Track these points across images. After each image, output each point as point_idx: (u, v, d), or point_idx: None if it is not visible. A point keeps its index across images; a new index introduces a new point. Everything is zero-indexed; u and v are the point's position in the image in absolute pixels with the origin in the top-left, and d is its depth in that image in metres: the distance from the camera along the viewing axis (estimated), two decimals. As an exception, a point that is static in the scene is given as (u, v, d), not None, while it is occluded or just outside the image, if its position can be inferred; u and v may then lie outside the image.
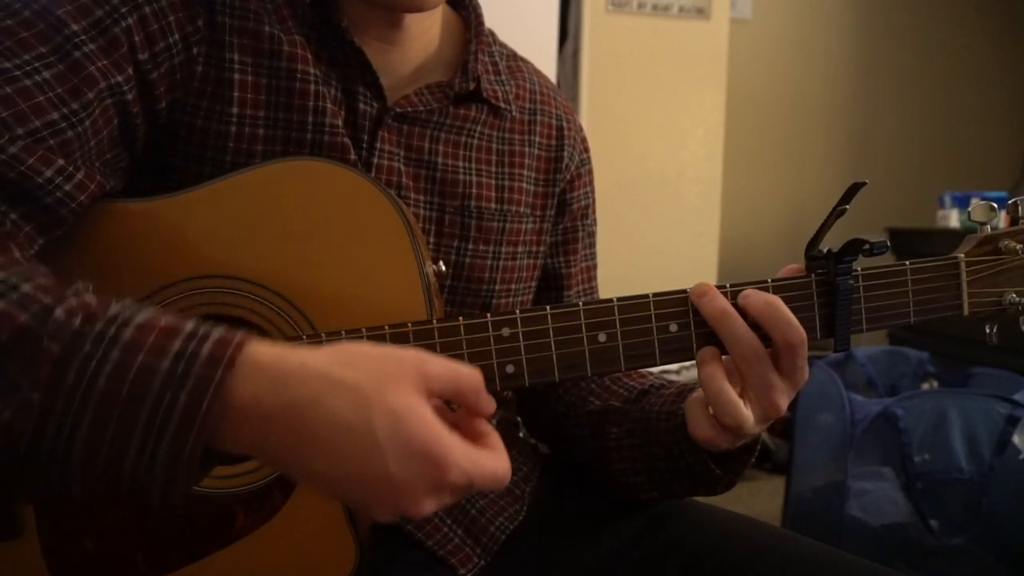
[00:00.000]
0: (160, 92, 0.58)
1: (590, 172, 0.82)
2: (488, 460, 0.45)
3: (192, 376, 0.40)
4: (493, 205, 0.71)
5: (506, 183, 0.72)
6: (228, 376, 0.40)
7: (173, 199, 0.57)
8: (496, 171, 0.72)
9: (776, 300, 0.55)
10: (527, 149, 0.74)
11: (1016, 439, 1.41)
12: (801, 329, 0.55)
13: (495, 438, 0.47)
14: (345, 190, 0.56)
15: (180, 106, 0.60)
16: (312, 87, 0.62)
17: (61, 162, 0.52)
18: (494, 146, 0.72)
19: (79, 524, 0.56)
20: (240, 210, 0.56)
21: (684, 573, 0.66)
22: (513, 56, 0.79)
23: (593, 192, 0.82)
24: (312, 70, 0.62)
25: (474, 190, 0.70)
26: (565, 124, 0.78)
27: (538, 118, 0.76)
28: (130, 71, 0.56)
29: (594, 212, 0.83)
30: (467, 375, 0.46)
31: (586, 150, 0.82)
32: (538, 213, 0.75)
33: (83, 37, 0.54)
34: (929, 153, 3.22)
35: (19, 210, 0.51)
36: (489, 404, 0.47)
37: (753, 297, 0.55)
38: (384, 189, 0.57)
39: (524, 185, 0.74)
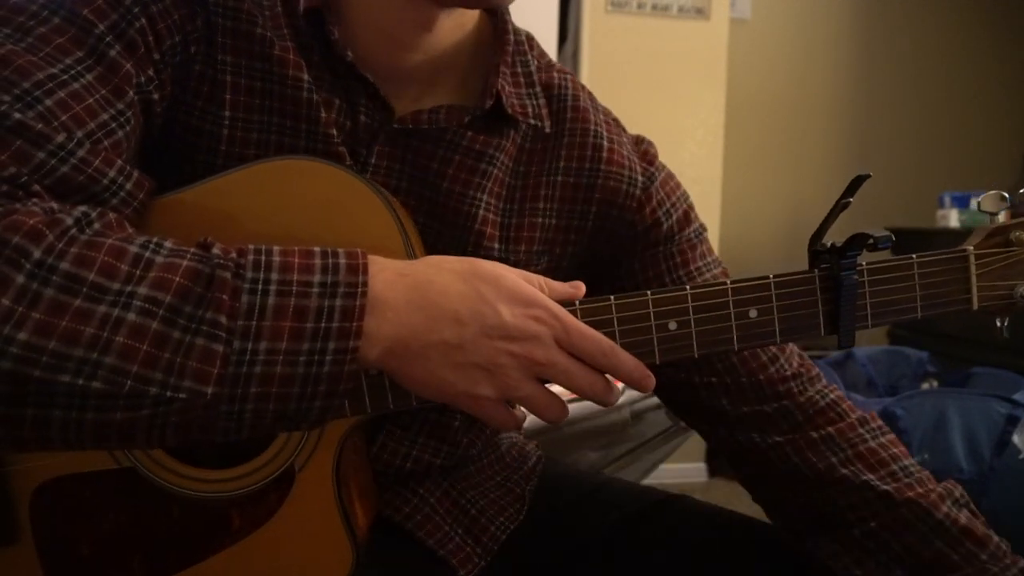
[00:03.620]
0: (167, 91, 0.58)
1: (665, 183, 0.71)
2: (581, 324, 0.51)
3: (341, 284, 0.46)
4: (496, 245, 0.65)
5: (513, 220, 0.66)
6: (367, 278, 0.47)
7: (161, 200, 0.56)
8: (506, 207, 0.66)
9: None
10: (545, 178, 0.67)
11: (1016, 439, 1.40)
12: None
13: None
14: (334, 188, 0.56)
15: (177, 104, 0.60)
16: (304, 94, 0.60)
17: (120, 162, 0.52)
18: (509, 180, 0.66)
19: (75, 529, 0.56)
20: (228, 210, 0.56)
21: (683, 572, 0.66)
22: (550, 65, 0.71)
23: (681, 200, 0.72)
24: (305, 76, 0.60)
25: (478, 225, 0.64)
26: (605, 143, 0.69)
27: (565, 140, 0.68)
28: (151, 71, 0.56)
29: (694, 220, 0.72)
30: (538, 277, 0.54)
31: (648, 164, 0.71)
32: (557, 250, 0.68)
33: (109, 38, 0.54)
34: (929, 153, 3.21)
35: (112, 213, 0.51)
36: (572, 288, 0.55)
37: None
38: (375, 187, 0.56)
39: (539, 220, 0.67)
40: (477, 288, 0.49)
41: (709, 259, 0.71)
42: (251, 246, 0.47)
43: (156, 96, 0.57)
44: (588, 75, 2.31)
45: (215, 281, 0.44)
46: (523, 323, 0.49)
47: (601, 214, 0.68)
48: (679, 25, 2.37)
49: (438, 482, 0.70)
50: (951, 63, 3.23)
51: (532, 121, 0.66)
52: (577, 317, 0.53)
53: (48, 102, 0.49)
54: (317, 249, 0.48)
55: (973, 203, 2.36)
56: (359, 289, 0.47)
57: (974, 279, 0.59)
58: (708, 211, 2.44)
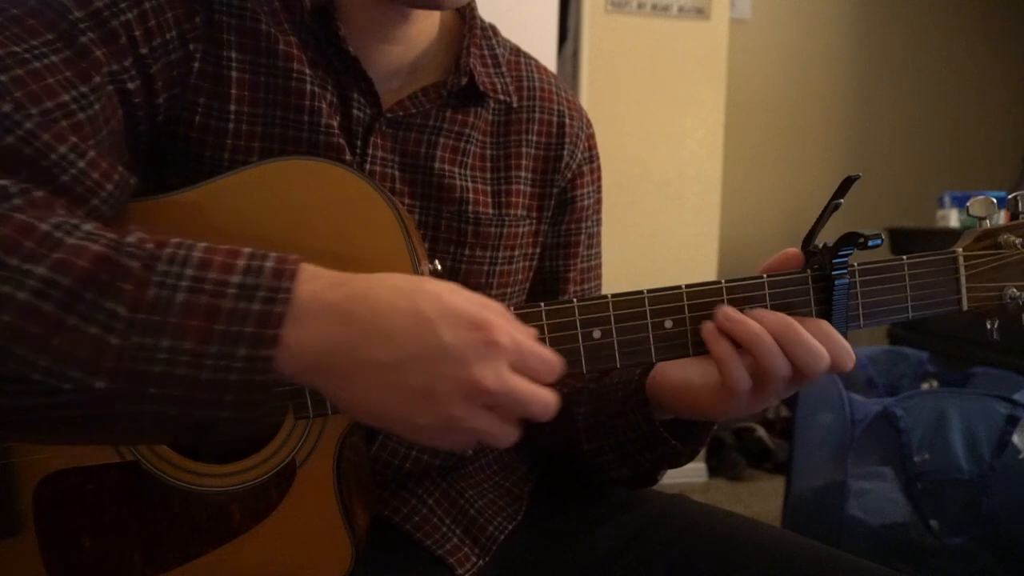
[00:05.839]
0: (158, 86, 0.58)
1: (595, 170, 0.79)
2: (534, 343, 0.48)
3: (262, 287, 0.44)
4: (491, 211, 0.70)
5: (502, 187, 0.71)
6: (292, 284, 0.44)
7: (169, 199, 0.57)
8: (492, 176, 0.71)
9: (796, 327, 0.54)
10: (523, 150, 0.73)
11: (1016, 439, 1.40)
12: (827, 356, 0.54)
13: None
14: (340, 189, 0.56)
15: (179, 103, 0.60)
16: (308, 87, 0.62)
17: (74, 139, 0.51)
18: (489, 152, 0.71)
19: (77, 522, 0.56)
20: (234, 210, 0.56)
21: (682, 572, 0.66)
22: (516, 51, 0.77)
23: (599, 191, 0.80)
24: (308, 71, 0.62)
25: (471, 195, 0.68)
26: (567, 120, 0.75)
27: (536, 115, 0.74)
28: (127, 62, 0.56)
29: (598, 212, 0.81)
30: (491, 302, 0.49)
31: (591, 147, 0.79)
32: (534, 214, 0.74)
33: (84, 25, 0.54)
34: (929, 153, 3.21)
35: (41, 191, 0.49)
36: (527, 328, 0.50)
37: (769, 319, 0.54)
38: (379, 188, 0.57)
39: (521, 187, 0.72)
40: (417, 306, 0.45)
41: (590, 251, 0.79)
42: (173, 239, 0.45)
43: (132, 87, 0.56)
44: (588, 75, 2.31)
45: (121, 270, 0.42)
46: (466, 348, 0.45)
47: (558, 183, 0.75)
48: (679, 25, 2.37)
49: (436, 482, 0.70)
50: (951, 63, 3.23)
51: (502, 97, 0.72)
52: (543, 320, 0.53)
53: (2, 77, 0.49)
54: (247, 250, 0.46)
55: (972, 199, 2.36)
56: (280, 295, 0.43)
57: (963, 280, 0.60)
58: (708, 211, 2.44)
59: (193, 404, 0.43)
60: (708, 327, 0.55)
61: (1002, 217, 0.62)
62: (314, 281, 0.45)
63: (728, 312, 0.54)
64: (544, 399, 0.47)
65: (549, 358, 0.48)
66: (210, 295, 0.43)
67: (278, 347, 0.43)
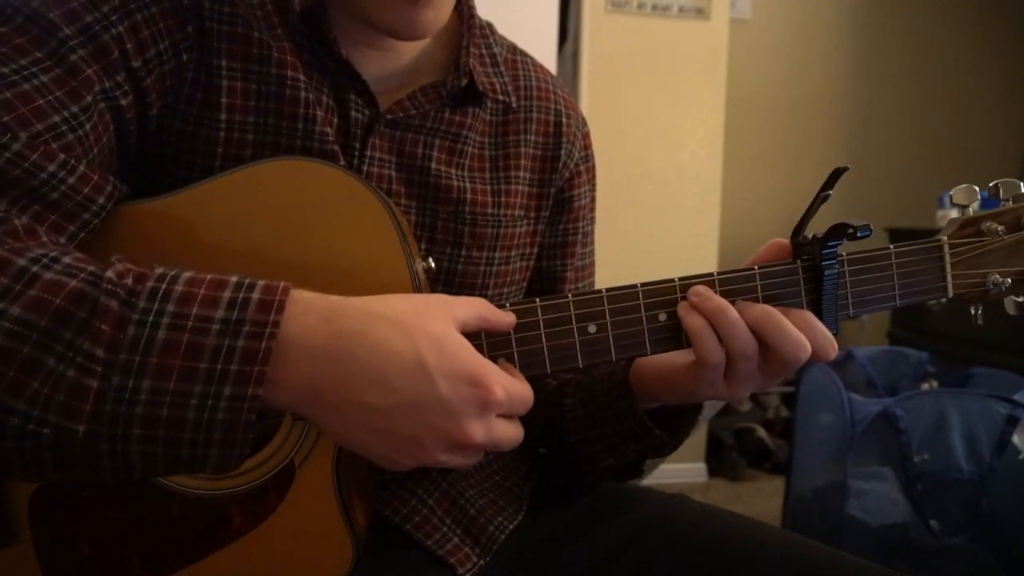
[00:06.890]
0: (152, 98, 0.58)
1: (590, 169, 0.79)
2: (518, 384, 0.50)
3: (247, 322, 0.42)
4: (489, 210, 0.70)
5: (501, 187, 0.71)
6: (280, 318, 0.43)
7: (161, 202, 0.56)
8: (491, 176, 0.71)
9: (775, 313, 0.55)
10: (522, 149, 0.73)
11: (1016, 439, 1.41)
12: (807, 344, 0.55)
13: (514, 370, 0.53)
14: (333, 189, 0.56)
15: (170, 112, 0.60)
16: (302, 94, 0.62)
17: (63, 156, 0.51)
18: (487, 152, 0.71)
19: (74, 529, 0.56)
20: (227, 211, 0.56)
21: (683, 572, 0.65)
22: (513, 49, 0.77)
23: (594, 190, 0.80)
24: (302, 76, 0.62)
25: (468, 196, 0.68)
26: (564, 119, 0.76)
27: (534, 115, 0.74)
28: (120, 77, 0.56)
29: (592, 211, 0.81)
30: (483, 302, 0.51)
31: (587, 146, 0.79)
32: (532, 214, 0.74)
33: (74, 42, 0.53)
34: (929, 153, 3.22)
35: (29, 212, 0.50)
36: (509, 315, 0.53)
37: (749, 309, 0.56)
38: (373, 188, 0.57)
39: (519, 187, 0.72)
40: (417, 351, 0.44)
41: (586, 250, 0.80)
42: (157, 271, 0.44)
43: (124, 103, 0.56)
44: (588, 75, 2.31)
45: (98, 308, 0.41)
46: (461, 403, 0.45)
47: (556, 183, 0.75)
48: (679, 25, 2.37)
49: (436, 482, 0.70)
50: (951, 63, 3.23)
51: (501, 97, 0.71)
52: (537, 315, 0.54)
53: None
54: (233, 279, 0.44)
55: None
56: (267, 330, 0.42)
57: (948, 268, 0.61)
58: (708, 211, 2.44)
59: (181, 444, 0.42)
60: (683, 304, 0.56)
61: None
62: (305, 315, 0.44)
63: (699, 289, 0.56)
64: (517, 438, 0.50)
65: (530, 399, 0.50)
66: (192, 332, 0.41)
67: (265, 384, 0.42)
